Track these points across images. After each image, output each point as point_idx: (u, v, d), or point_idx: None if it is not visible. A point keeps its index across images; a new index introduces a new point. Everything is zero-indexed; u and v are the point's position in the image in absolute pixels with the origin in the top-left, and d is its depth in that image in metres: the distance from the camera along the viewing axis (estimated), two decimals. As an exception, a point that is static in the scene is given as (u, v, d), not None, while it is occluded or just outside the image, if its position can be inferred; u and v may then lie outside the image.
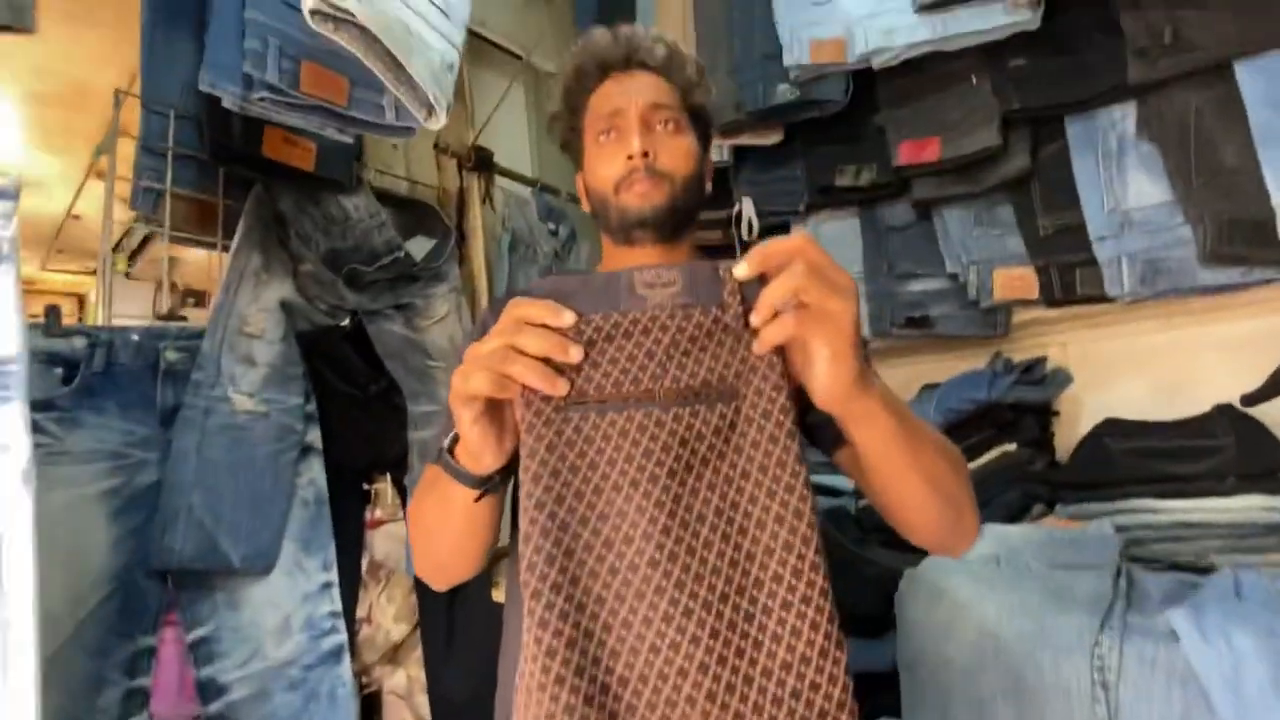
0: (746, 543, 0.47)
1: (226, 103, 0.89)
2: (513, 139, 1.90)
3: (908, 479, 0.58)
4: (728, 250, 1.76)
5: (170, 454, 1.00)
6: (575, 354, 0.48)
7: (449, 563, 0.67)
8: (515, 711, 0.44)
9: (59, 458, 0.94)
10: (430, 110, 0.87)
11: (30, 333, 0.86)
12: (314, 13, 0.72)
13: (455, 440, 0.55)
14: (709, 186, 0.81)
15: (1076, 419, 1.42)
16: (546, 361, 0.48)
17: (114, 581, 0.94)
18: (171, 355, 1.05)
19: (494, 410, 0.51)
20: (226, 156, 1.07)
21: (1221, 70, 1.07)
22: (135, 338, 1.03)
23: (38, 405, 0.91)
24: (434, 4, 0.94)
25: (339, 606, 1.13)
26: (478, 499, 0.56)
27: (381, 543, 1.37)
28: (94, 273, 3.97)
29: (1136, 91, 1.14)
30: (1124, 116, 1.18)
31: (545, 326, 0.48)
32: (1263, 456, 1.02)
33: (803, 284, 0.45)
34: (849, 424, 0.54)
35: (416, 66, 0.81)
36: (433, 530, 0.64)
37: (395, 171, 1.60)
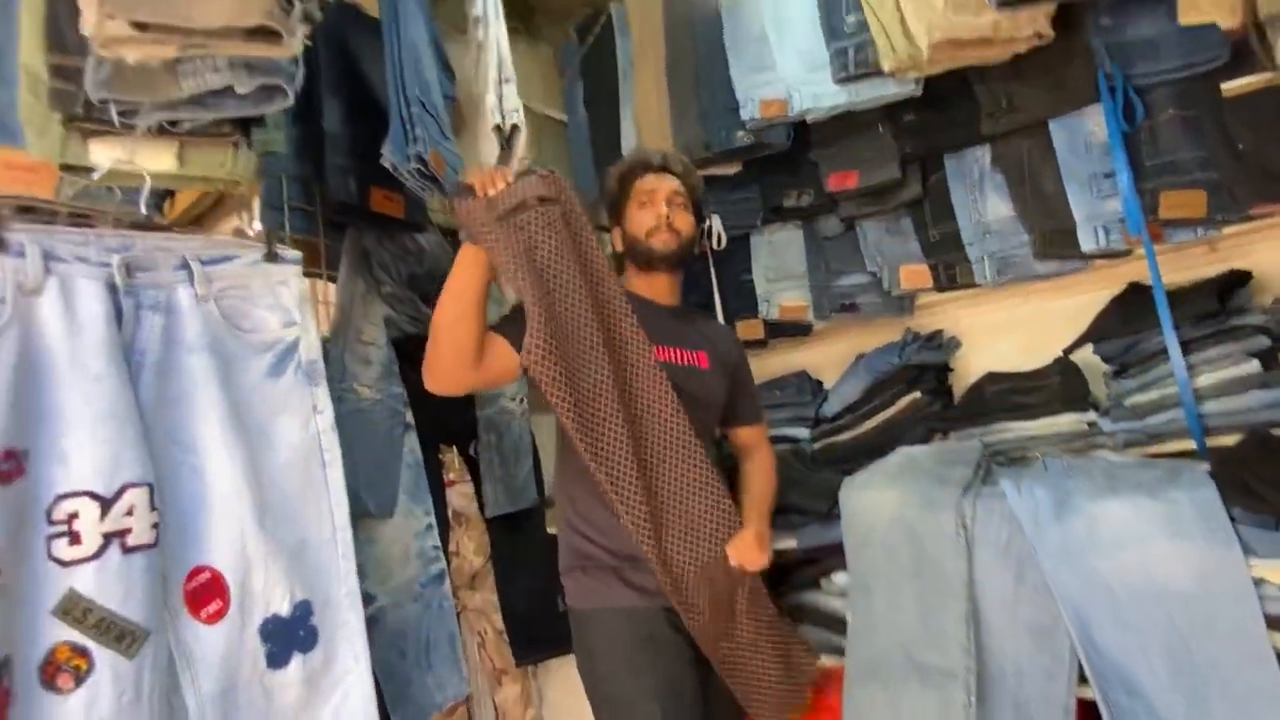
0: None
1: (386, 162, 1.23)
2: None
3: None
4: (702, 258, 2.19)
5: (318, 432, 1.36)
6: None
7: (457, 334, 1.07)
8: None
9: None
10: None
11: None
12: (496, 128, 1.12)
13: None
14: (698, 243, 1.46)
15: (967, 373, 1.90)
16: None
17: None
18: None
19: None
20: (343, 211, 1.43)
21: (1041, 125, 1.55)
22: (281, 349, 1.39)
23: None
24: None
25: (438, 541, 1.51)
26: None
27: (455, 498, 1.74)
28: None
29: (990, 139, 1.62)
30: (983, 155, 1.66)
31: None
32: (1075, 388, 1.51)
33: None
34: None
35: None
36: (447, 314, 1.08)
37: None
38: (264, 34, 0.72)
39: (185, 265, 0.80)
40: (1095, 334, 1.52)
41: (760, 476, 1.40)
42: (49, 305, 0.70)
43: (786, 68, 1.73)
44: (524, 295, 0.97)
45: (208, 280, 0.81)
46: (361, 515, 1.37)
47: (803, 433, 1.86)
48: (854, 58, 1.60)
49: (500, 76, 1.16)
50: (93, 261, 0.73)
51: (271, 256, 0.89)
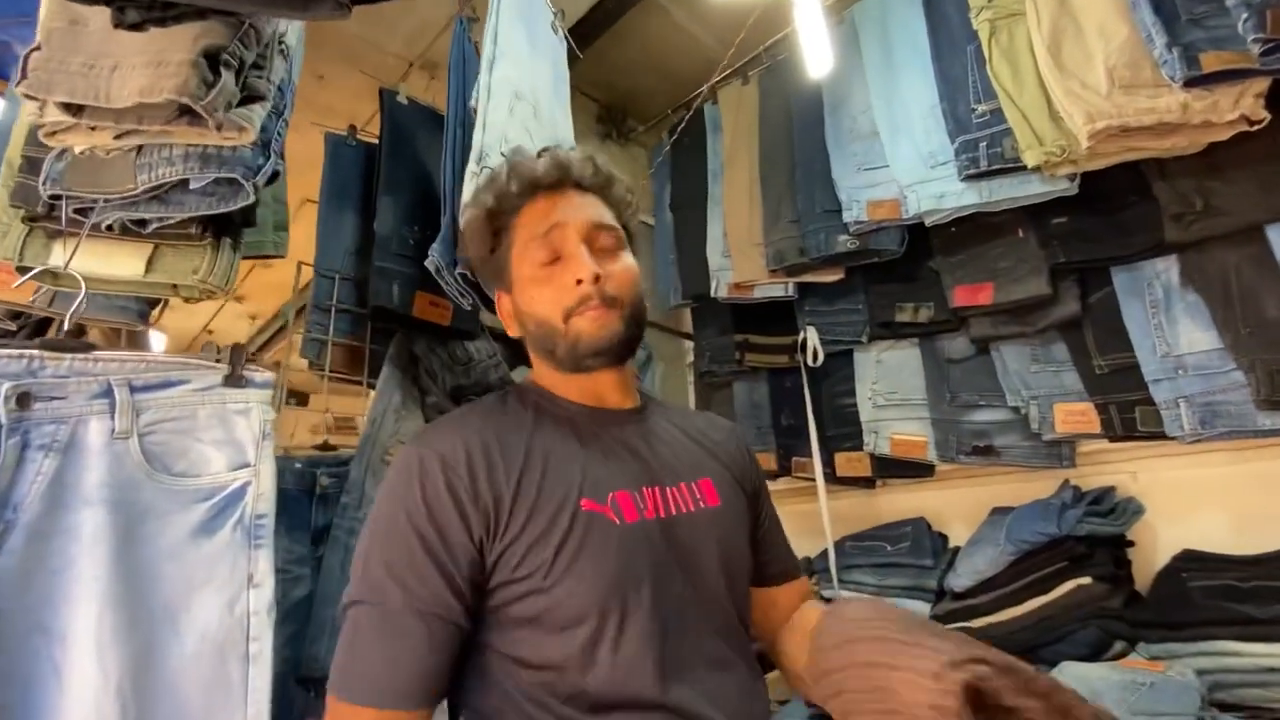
0: None
1: (431, 264, 1.08)
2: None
3: None
4: (793, 373, 1.90)
5: (320, 570, 1.17)
6: None
7: None
8: None
9: (235, 571, 1.11)
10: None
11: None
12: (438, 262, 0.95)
13: None
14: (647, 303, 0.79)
15: (1153, 549, 1.43)
16: None
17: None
18: (325, 480, 1.24)
19: None
20: (383, 316, 1.30)
21: (1254, 232, 1.17)
22: (298, 465, 1.23)
23: (226, 527, 1.09)
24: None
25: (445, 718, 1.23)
26: None
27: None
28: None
29: (1176, 247, 1.25)
30: (1167, 268, 1.28)
31: None
32: (1345, 603, 1.03)
33: None
34: None
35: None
36: None
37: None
38: (194, 116, 0.59)
39: (109, 392, 0.65)
40: (1372, 524, 1.05)
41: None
42: (-104, 452, 0.55)
43: (900, 165, 1.48)
44: None
45: (133, 411, 0.65)
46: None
47: (921, 608, 1.44)
48: (985, 151, 1.33)
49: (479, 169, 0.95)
50: (-27, 391, 0.59)
51: (236, 379, 0.73)
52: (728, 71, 2.01)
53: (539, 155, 0.76)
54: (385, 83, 1.55)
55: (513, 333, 0.78)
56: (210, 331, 3.47)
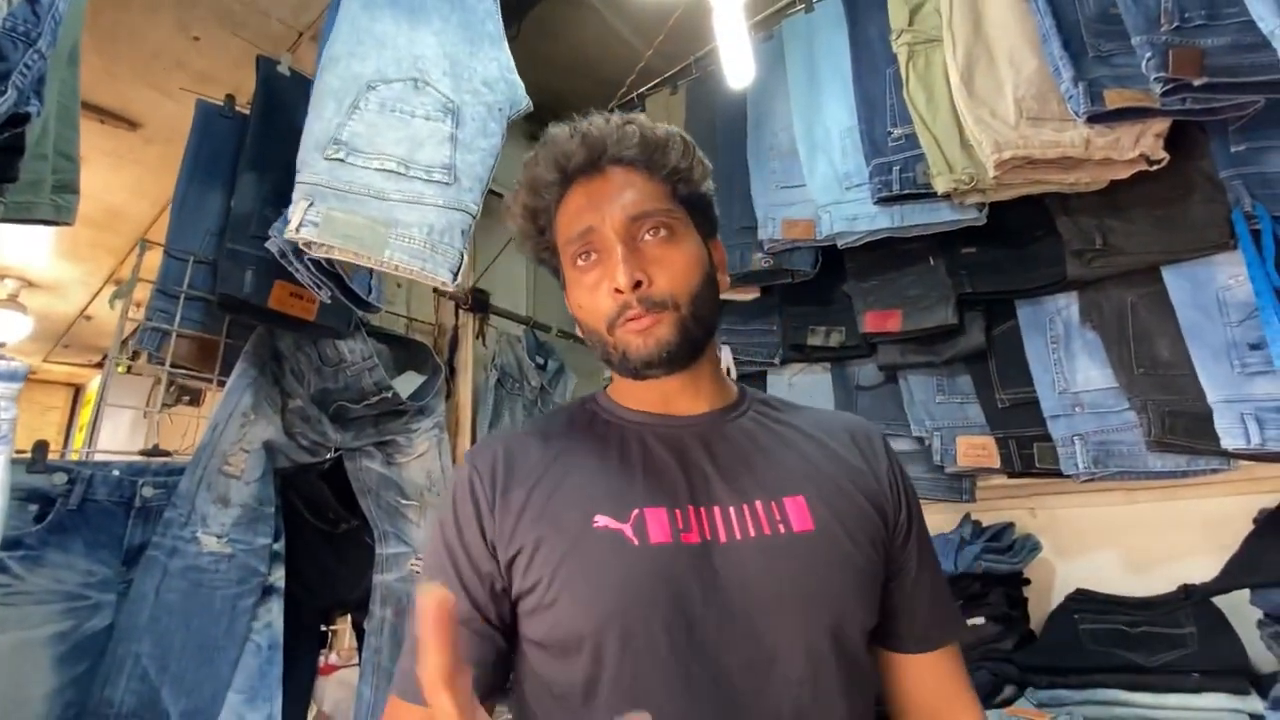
0: None
1: (273, 245, 0.96)
2: (511, 278, 2.03)
3: None
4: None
5: (128, 596, 1.00)
6: None
7: None
8: None
9: (16, 598, 0.94)
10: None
11: (14, 468, 0.89)
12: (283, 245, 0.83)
13: None
14: (725, 280, 0.69)
15: (1049, 585, 1.42)
16: None
17: (44, 736, 0.90)
18: (148, 491, 1.07)
19: None
20: (234, 306, 1.15)
21: (1149, 272, 1.17)
22: (116, 473, 1.06)
23: (5, 544, 0.92)
24: (429, 180, 1.03)
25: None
26: None
27: (333, 691, 1.31)
28: (93, 365, 4.06)
29: (1077, 284, 1.25)
30: (1068, 304, 1.28)
31: None
32: (1224, 653, 1.01)
33: None
34: None
35: (394, 255, 0.90)
36: None
37: (396, 309, 1.70)
38: None
39: None
40: (1250, 572, 1.04)
41: None
42: None
43: (817, 184, 1.44)
44: None
45: None
46: (157, 727, 0.97)
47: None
48: (899, 175, 1.30)
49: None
50: None
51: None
52: (658, 80, 1.95)
53: (572, 133, 0.65)
54: (273, 52, 1.41)
55: (581, 333, 0.69)
56: (89, 317, 3.15)
